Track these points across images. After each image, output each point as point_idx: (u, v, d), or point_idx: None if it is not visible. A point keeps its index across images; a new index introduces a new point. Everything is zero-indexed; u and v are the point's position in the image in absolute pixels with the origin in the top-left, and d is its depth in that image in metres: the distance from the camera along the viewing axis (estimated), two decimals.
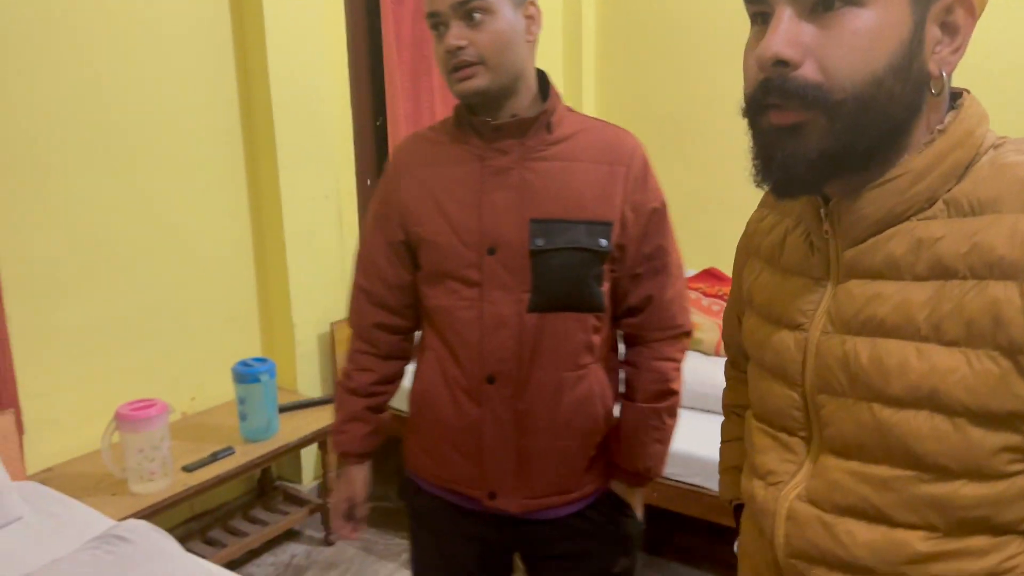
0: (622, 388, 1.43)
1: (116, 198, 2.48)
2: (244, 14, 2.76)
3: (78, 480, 2.28)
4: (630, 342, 1.41)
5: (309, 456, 3.06)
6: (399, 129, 3.29)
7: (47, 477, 2.28)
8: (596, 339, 1.33)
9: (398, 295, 1.42)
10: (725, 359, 1.17)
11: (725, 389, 1.17)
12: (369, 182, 3.31)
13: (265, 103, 2.80)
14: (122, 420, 2.18)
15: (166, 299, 2.67)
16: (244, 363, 2.55)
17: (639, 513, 1.47)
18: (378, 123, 3.36)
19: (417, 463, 1.47)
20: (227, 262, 2.87)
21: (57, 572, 1.62)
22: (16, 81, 2.20)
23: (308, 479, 3.09)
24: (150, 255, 2.60)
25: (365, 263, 1.44)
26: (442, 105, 3.48)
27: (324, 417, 2.75)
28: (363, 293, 1.45)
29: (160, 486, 2.25)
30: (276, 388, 2.60)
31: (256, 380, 2.51)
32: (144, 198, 2.56)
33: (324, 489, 2.91)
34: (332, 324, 3.10)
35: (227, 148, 2.81)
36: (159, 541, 1.78)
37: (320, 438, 2.73)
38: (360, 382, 1.48)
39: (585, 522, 1.40)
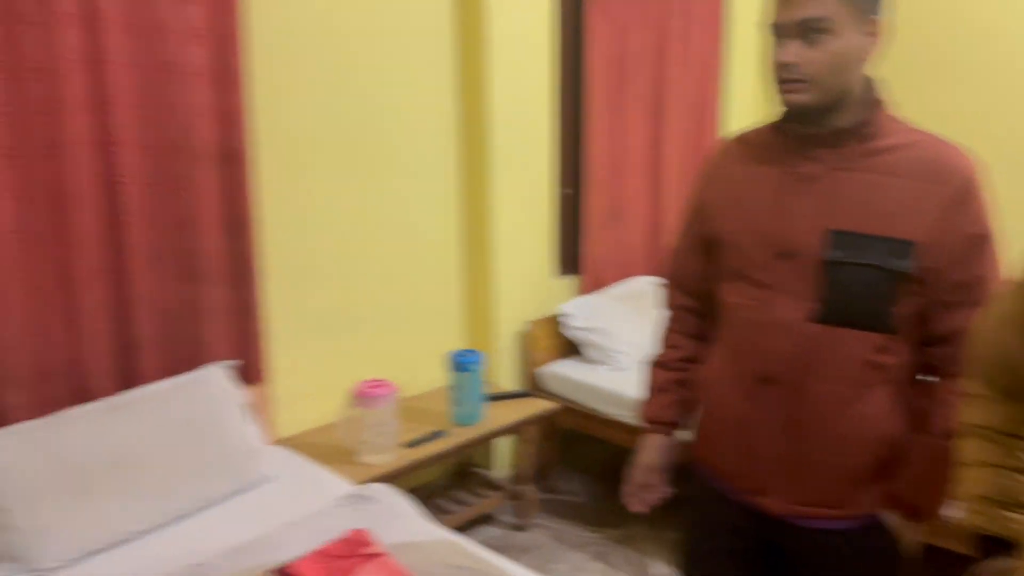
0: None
1: (358, 197, 2.78)
2: (468, 27, 2.99)
3: (315, 448, 2.56)
4: (931, 372, 1.34)
5: (503, 446, 3.25)
6: (596, 140, 3.43)
7: (290, 444, 2.57)
8: (884, 359, 1.29)
9: (700, 283, 1.50)
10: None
11: (964, 407, 1.13)
12: (567, 191, 3.47)
13: (483, 111, 3.02)
14: (360, 397, 2.43)
15: (390, 290, 2.94)
16: (460, 353, 2.76)
17: (911, 549, 1.40)
18: (576, 134, 3.51)
19: (696, 450, 1.52)
20: (440, 260, 3.12)
21: (324, 520, 1.85)
22: (286, 93, 2.53)
23: (501, 467, 3.27)
24: (381, 250, 2.88)
25: (675, 250, 1.56)
26: (643, 117, 3.59)
27: (522, 409, 2.91)
28: (672, 278, 1.57)
29: (387, 459, 2.48)
30: (483, 379, 2.80)
31: (470, 370, 2.71)
32: (379, 197, 2.85)
33: (518, 478, 3.07)
34: (529, 323, 3.28)
35: (444, 155, 3.06)
36: (400, 503, 1.99)
37: (519, 428, 2.90)
38: (668, 357, 1.57)
39: (850, 545, 1.36)
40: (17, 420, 1.98)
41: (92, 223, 2.08)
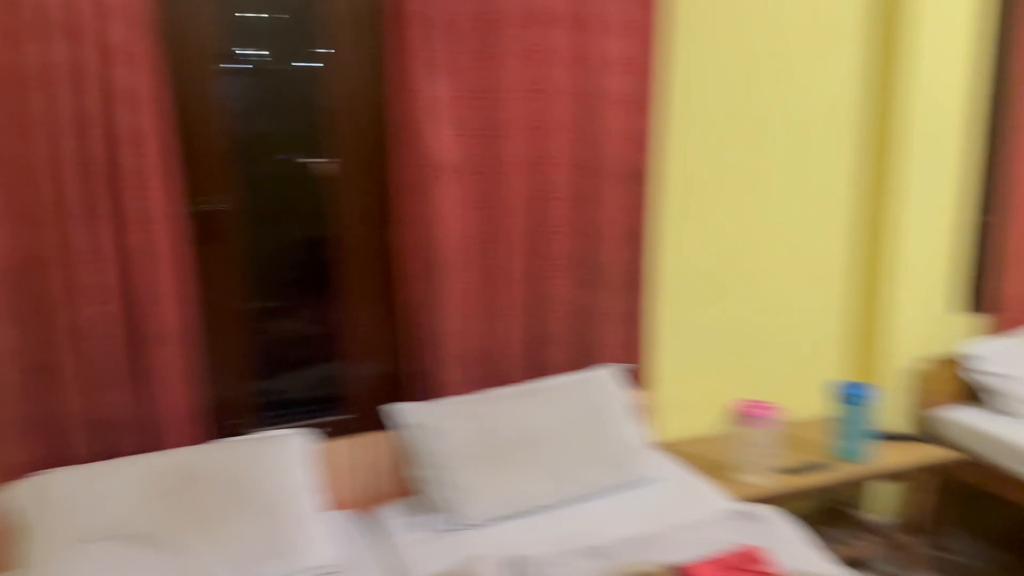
0: None
1: (752, 215, 2.80)
2: (884, 35, 2.84)
3: (693, 458, 2.63)
4: None
5: (883, 489, 3.02)
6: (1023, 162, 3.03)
7: (670, 450, 2.67)
8: None
9: None
10: None
11: None
12: (984, 218, 3.11)
13: (893, 126, 2.84)
14: (742, 415, 2.44)
15: (774, 310, 2.91)
16: (848, 385, 2.63)
17: None
18: (994, 154, 3.14)
19: None
20: (833, 286, 3.00)
21: (712, 530, 1.91)
22: (694, 117, 2.64)
23: (880, 511, 3.04)
24: (769, 269, 2.87)
25: None
26: None
27: (912, 454, 2.69)
28: None
29: (763, 481, 2.46)
30: (870, 415, 2.63)
31: (858, 403, 2.57)
32: (772, 217, 2.83)
33: (904, 527, 2.84)
34: (923, 361, 3.01)
35: (838, 173, 2.93)
36: (789, 529, 1.96)
37: (908, 474, 2.68)
38: None
39: None
40: (453, 393, 2.34)
41: (522, 231, 2.37)
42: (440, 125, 2.20)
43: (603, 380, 2.41)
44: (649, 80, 2.42)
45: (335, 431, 2.31)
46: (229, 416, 2.28)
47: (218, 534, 1.82)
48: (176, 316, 2.05)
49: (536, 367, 2.49)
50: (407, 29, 2.13)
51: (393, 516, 2.16)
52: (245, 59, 2.19)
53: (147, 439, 2.09)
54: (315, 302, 2.41)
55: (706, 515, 2.08)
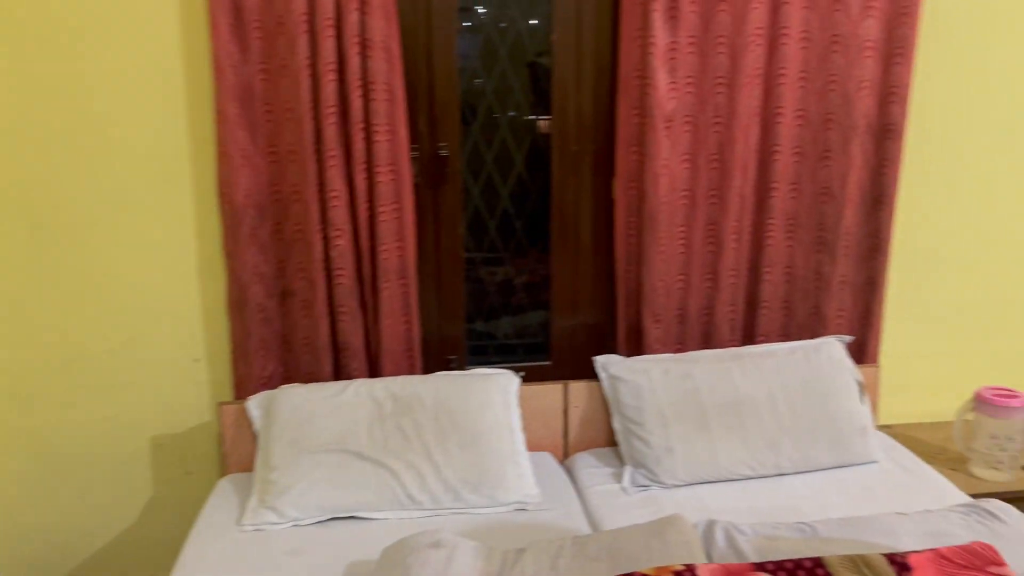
0: None
1: (1002, 180, 2.47)
2: None
3: (918, 444, 2.41)
4: None
5: None
6: None
7: (892, 433, 2.46)
8: None
9: None
10: None
11: None
12: None
13: None
14: (981, 402, 2.20)
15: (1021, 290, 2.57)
16: None
17: None
18: None
19: None
20: None
21: (938, 522, 1.74)
22: (948, 67, 2.35)
23: None
24: (1020, 242, 2.54)
25: None
26: None
27: None
28: None
29: (1003, 477, 2.21)
30: None
31: None
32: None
33: None
34: None
35: None
36: None
37: None
38: None
39: None
40: (659, 350, 2.30)
41: (743, 188, 2.25)
42: (671, 73, 2.13)
43: (828, 352, 2.25)
44: (909, 26, 2.18)
45: (539, 376, 2.36)
46: (442, 352, 2.40)
47: (432, 458, 1.94)
48: (405, 253, 2.17)
49: (748, 332, 2.38)
50: None
51: (588, 465, 2.18)
52: (473, 15, 2.25)
53: (370, 365, 2.25)
54: (528, 251, 2.46)
55: (930, 504, 1.90)
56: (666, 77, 2.13)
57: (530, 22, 2.28)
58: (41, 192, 2.06)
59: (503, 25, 2.26)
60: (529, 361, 2.47)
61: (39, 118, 2.02)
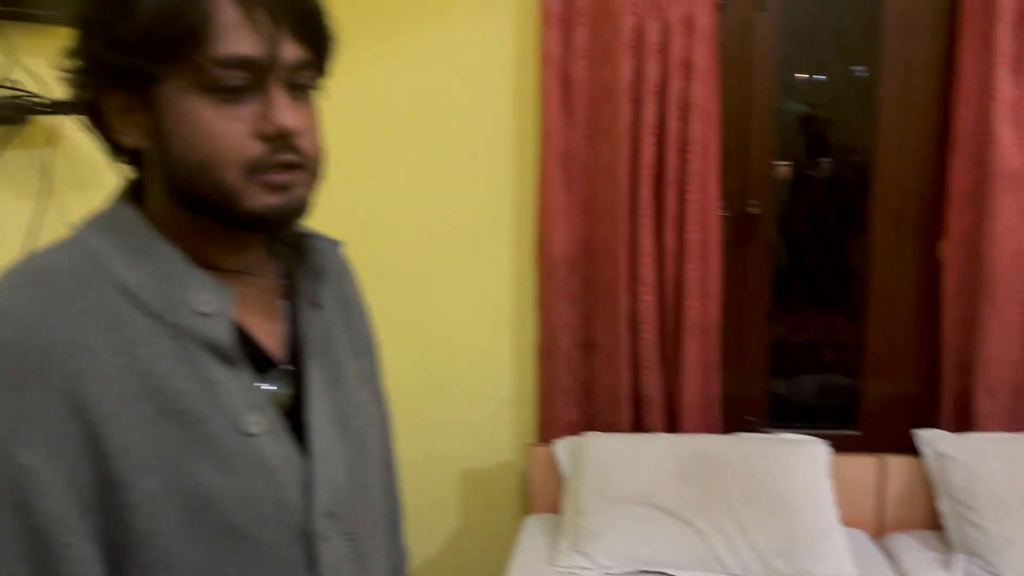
0: None
1: None
2: None
3: None
4: None
5: None
6: None
7: None
8: None
9: None
10: None
11: None
12: None
13: None
14: None
15: None
16: None
17: None
18: None
19: None
20: None
21: None
22: None
23: None
24: None
25: None
26: None
27: None
28: None
29: None
30: None
31: None
32: None
33: None
34: None
35: None
36: None
37: None
38: None
39: None
40: (988, 428, 2.09)
41: None
42: (1016, 128, 1.97)
43: None
44: None
45: (846, 445, 2.24)
46: (741, 410, 2.36)
47: (740, 522, 1.91)
48: (709, 310, 2.18)
49: None
50: (994, 23, 1.94)
51: (908, 547, 2.02)
52: (795, 77, 2.23)
53: (668, 419, 2.27)
54: (836, 309, 2.36)
55: None
56: (1010, 132, 1.97)
57: (854, 70, 2.21)
58: (386, 237, 2.33)
59: (822, 78, 2.22)
60: (832, 428, 2.35)
61: (390, 178, 2.31)
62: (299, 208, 0.71)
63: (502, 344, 2.38)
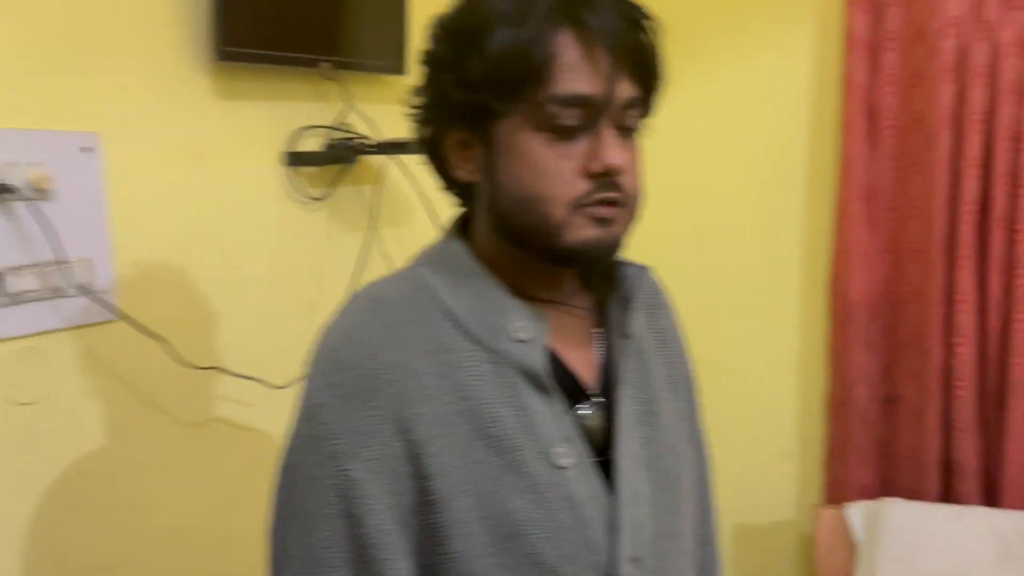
0: None
1: None
2: None
3: None
4: None
5: None
6: None
7: None
8: None
9: None
10: None
11: None
12: None
13: None
14: None
15: None
16: None
17: None
18: None
19: None
20: None
21: None
22: None
23: None
24: None
25: None
26: None
27: None
28: None
29: None
30: None
31: None
32: None
33: None
34: None
35: None
36: None
37: None
38: None
39: None
40: None
41: None
42: None
43: None
44: None
45: None
46: None
47: None
48: None
49: None
50: None
51: None
52: None
53: (986, 491, 1.97)
54: None
55: None
56: None
57: None
58: (667, 274, 2.29)
59: None
60: None
61: (676, 212, 2.26)
62: (615, 244, 0.72)
63: (786, 392, 2.22)
